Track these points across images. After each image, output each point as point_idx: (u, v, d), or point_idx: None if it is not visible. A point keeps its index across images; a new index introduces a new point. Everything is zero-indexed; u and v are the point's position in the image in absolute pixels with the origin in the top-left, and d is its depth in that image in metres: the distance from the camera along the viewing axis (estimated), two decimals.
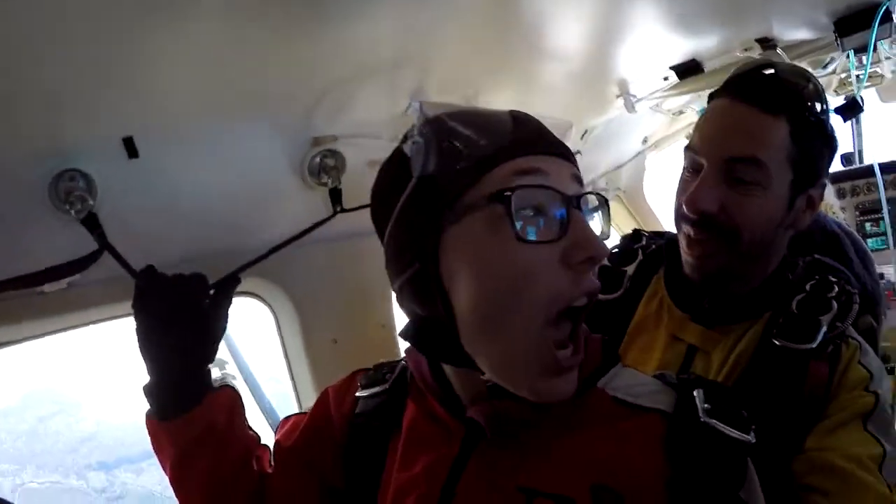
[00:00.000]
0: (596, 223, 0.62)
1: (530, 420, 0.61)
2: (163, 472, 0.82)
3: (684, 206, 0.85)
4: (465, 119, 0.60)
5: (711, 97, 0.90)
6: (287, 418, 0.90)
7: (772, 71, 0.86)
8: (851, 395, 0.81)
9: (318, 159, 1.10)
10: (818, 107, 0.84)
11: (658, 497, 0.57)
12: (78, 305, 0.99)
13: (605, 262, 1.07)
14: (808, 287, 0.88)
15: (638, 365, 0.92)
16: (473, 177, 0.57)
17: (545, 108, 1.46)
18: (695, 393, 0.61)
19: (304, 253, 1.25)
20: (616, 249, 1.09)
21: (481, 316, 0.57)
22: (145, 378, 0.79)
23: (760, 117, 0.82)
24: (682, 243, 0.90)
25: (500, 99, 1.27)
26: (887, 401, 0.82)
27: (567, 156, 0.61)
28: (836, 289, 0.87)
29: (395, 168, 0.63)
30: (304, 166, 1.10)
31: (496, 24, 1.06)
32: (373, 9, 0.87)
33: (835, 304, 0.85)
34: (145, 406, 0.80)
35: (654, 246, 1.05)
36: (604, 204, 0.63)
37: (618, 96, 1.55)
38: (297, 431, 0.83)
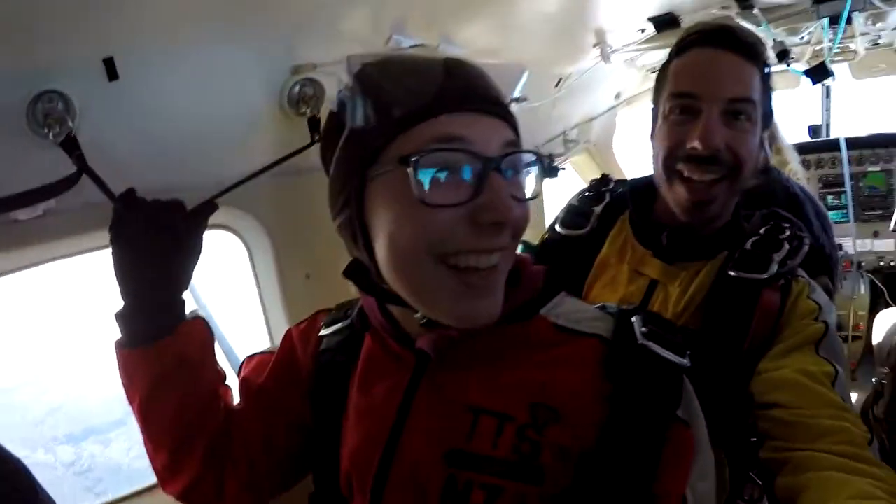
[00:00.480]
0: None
1: (471, 344, 0.65)
2: (130, 442, 0.82)
3: (696, 143, 0.88)
4: (395, 72, 0.61)
5: (683, 48, 0.95)
6: (251, 356, 0.92)
7: (733, 25, 0.96)
8: (802, 322, 0.87)
9: (297, 88, 1.09)
10: (766, 60, 0.95)
11: (594, 414, 0.61)
12: (54, 234, 0.97)
13: (574, 201, 1.13)
14: (762, 231, 0.96)
15: (603, 297, 0.96)
16: (395, 133, 0.59)
17: (522, 51, 1.47)
18: (633, 319, 0.66)
19: (280, 183, 1.24)
20: (585, 191, 1.15)
21: (393, 262, 0.61)
22: (119, 308, 0.79)
23: (746, 64, 0.90)
24: (680, 189, 0.92)
25: (477, 37, 1.27)
26: (835, 332, 0.87)
27: (498, 113, 0.61)
28: (788, 232, 0.95)
29: (337, 115, 0.65)
30: (283, 94, 1.09)
31: None
32: None
33: (786, 245, 0.92)
34: (114, 371, 0.79)
35: (620, 189, 1.10)
36: (539, 162, 0.64)
37: (594, 45, 1.55)
38: (265, 371, 0.86)
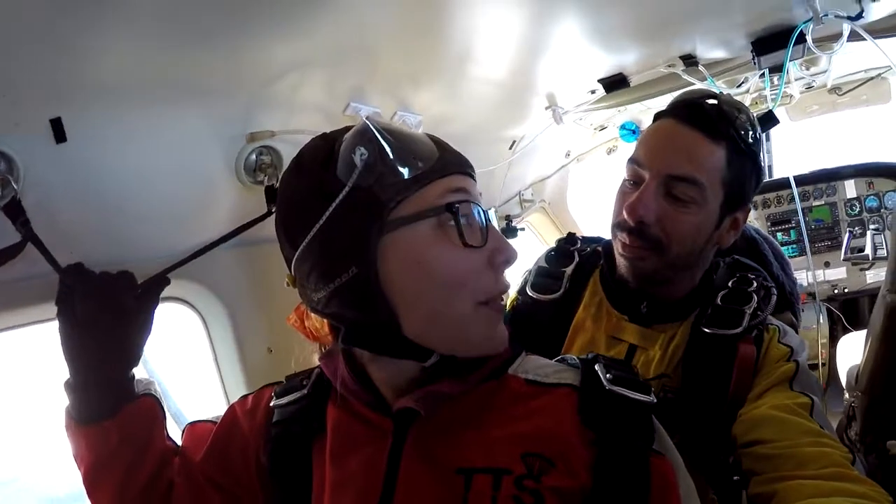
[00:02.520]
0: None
1: (457, 395, 0.67)
2: None
3: (624, 214, 0.91)
4: (400, 137, 0.65)
5: (657, 117, 0.98)
6: (194, 424, 0.88)
7: (714, 101, 0.93)
8: (775, 366, 0.90)
9: (253, 156, 1.07)
10: (751, 137, 0.92)
11: (584, 457, 0.64)
12: None
13: (543, 263, 1.14)
14: (730, 284, 0.98)
15: None
16: (410, 190, 0.63)
17: (476, 117, 1.50)
18: (596, 367, 0.69)
19: (237, 255, 1.21)
20: (552, 252, 1.15)
21: (429, 308, 0.64)
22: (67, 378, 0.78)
23: (703, 141, 0.89)
24: (617, 247, 0.96)
25: (433, 103, 1.29)
26: (807, 368, 0.91)
27: (474, 175, 0.70)
28: (755, 284, 0.98)
29: (315, 177, 0.65)
30: (239, 162, 1.06)
31: (430, 30, 1.07)
32: (314, 6, 0.86)
33: (755, 297, 0.95)
34: (67, 447, 0.79)
35: (588, 248, 1.11)
36: (494, 217, 0.73)
37: (546, 108, 1.60)
38: (205, 447, 0.82)
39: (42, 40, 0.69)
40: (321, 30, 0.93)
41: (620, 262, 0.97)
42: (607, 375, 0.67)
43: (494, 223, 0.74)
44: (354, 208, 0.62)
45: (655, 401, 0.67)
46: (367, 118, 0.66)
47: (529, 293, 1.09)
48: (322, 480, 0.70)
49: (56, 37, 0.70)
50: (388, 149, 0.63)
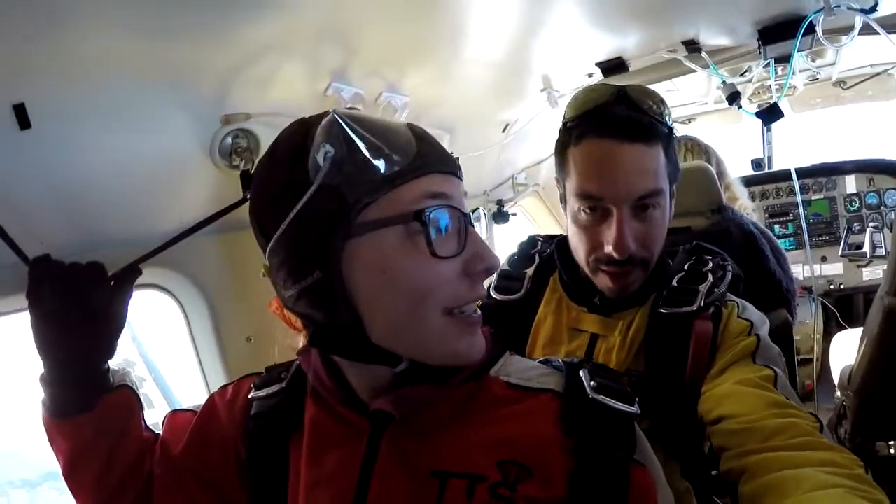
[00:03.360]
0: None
1: (434, 400, 0.65)
2: None
3: (613, 253, 0.91)
4: (373, 131, 0.60)
5: (580, 137, 0.93)
6: (174, 413, 0.86)
7: (628, 97, 0.91)
8: (735, 341, 0.91)
9: (229, 139, 1.02)
10: (668, 115, 0.94)
11: (562, 465, 0.62)
12: None
13: (506, 266, 1.16)
14: (685, 267, 1.01)
15: (546, 357, 0.95)
16: (381, 192, 0.59)
17: (467, 99, 1.46)
18: (580, 373, 0.67)
19: (215, 241, 1.18)
20: (515, 256, 1.18)
21: (393, 319, 0.61)
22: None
23: (646, 151, 0.90)
24: (604, 279, 0.96)
25: (421, 85, 1.25)
26: (769, 341, 0.91)
27: (459, 174, 0.66)
28: (711, 264, 1.00)
29: (287, 170, 0.61)
30: (214, 146, 1.02)
31: (420, 9, 1.03)
32: None
33: (710, 276, 0.97)
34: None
35: (549, 249, 1.14)
36: (485, 217, 0.71)
37: (542, 90, 1.55)
38: (184, 438, 0.80)
39: (3, 24, 0.66)
40: (301, 6, 0.89)
41: (608, 288, 0.97)
42: (591, 383, 0.65)
43: (483, 224, 0.70)
44: (321, 208, 0.59)
45: (639, 412, 0.66)
46: (333, 111, 0.60)
47: (493, 294, 1.11)
48: (298, 476, 0.69)
49: (18, 20, 0.67)
50: (358, 144, 0.58)
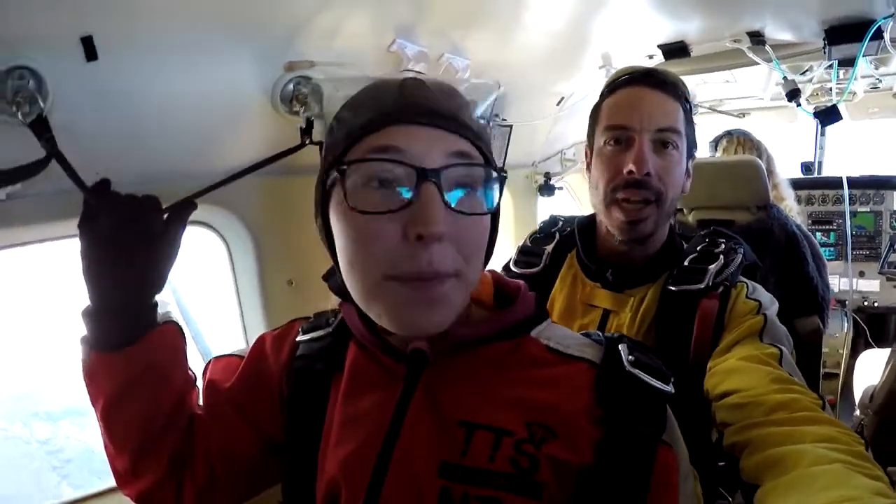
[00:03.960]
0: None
1: (468, 342, 0.65)
2: None
3: (632, 168, 0.96)
4: (361, 91, 0.65)
5: (615, 87, 1.04)
6: (219, 357, 0.87)
7: (653, 69, 1.03)
8: (742, 319, 0.93)
9: (291, 86, 1.04)
10: (689, 99, 1.05)
11: (588, 435, 0.62)
12: (18, 220, 0.91)
13: (528, 242, 1.20)
14: (698, 249, 1.04)
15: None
16: (348, 145, 0.61)
17: (525, 67, 1.45)
18: (619, 347, 0.67)
19: (268, 184, 1.20)
20: (536, 233, 1.22)
21: (344, 269, 0.63)
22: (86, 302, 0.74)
23: (669, 100, 1.00)
24: (617, 214, 0.99)
25: (482, 49, 1.24)
26: (776, 321, 0.93)
27: (447, 127, 0.61)
28: (723, 246, 1.02)
29: (330, 126, 0.68)
30: (276, 91, 1.04)
31: None
32: None
33: (721, 258, 0.99)
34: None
35: (568, 229, 1.17)
36: (496, 179, 0.63)
37: (600, 67, 1.53)
38: (234, 375, 0.81)
39: None
40: None
41: (621, 225, 0.99)
42: (629, 357, 0.66)
43: (473, 194, 0.61)
44: (321, 160, 0.66)
45: (673, 391, 0.66)
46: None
47: (513, 269, 1.16)
48: (332, 416, 0.71)
49: None
50: (336, 108, 0.64)
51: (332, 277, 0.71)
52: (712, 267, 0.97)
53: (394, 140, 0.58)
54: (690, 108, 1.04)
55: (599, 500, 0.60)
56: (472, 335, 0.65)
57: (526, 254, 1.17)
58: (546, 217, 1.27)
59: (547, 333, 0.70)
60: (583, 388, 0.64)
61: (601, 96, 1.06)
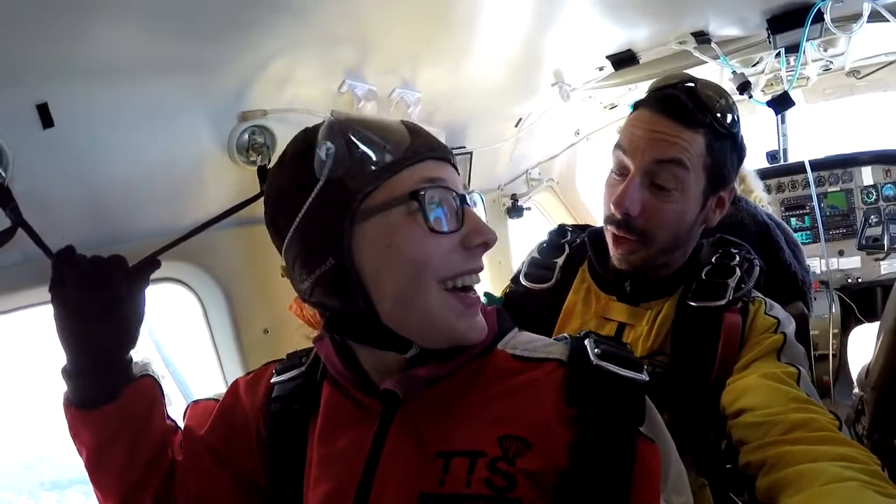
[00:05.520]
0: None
1: (437, 377, 0.67)
2: None
3: (612, 207, 0.95)
4: (369, 127, 0.66)
5: (637, 106, 1.00)
6: (197, 402, 0.89)
7: (691, 85, 0.96)
8: (761, 337, 0.92)
9: (246, 135, 1.04)
10: (730, 119, 0.95)
11: (564, 436, 0.63)
12: None
13: (536, 254, 1.17)
14: (713, 260, 1.02)
15: None
16: (381, 179, 0.64)
17: (480, 93, 1.47)
18: (585, 342, 0.68)
19: (233, 235, 1.19)
20: (545, 244, 1.18)
21: (400, 295, 0.65)
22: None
23: (682, 130, 0.92)
24: (609, 240, 0.99)
25: (434, 81, 1.26)
26: (794, 340, 0.92)
27: (453, 162, 0.70)
28: (738, 258, 1.00)
29: (294, 171, 0.67)
30: (231, 142, 1.04)
31: (432, 6, 1.05)
32: None
33: (738, 270, 0.97)
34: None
35: (578, 240, 1.15)
36: (481, 201, 0.73)
37: (553, 85, 1.56)
38: (208, 421, 0.83)
39: (25, 24, 0.68)
40: (317, 7, 0.91)
41: (613, 254, 1.00)
42: (595, 350, 0.66)
43: (480, 207, 0.72)
44: (329, 201, 0.64)
45: (647, 379, 0.66)
46: (332, 112, 0.66)
47: (523, 282, 1.13)
48: (310, 457, 0.72)
49: (39, 19, 0.68)
50: (355, 140, 0.64)
51: (338, 326, 0.70)
52: (731, 281, 0.95)
53: (433, 173, 0.66)
54: (727, 130, 0.94)
55: (581, 500, 0.60)
56: (442, 373, 0.67)
57: (535, 266, 1.14)
58: (517, 239, 1.26)
59: (513, 343, 0.72)
60: (552, 389, 0.65)
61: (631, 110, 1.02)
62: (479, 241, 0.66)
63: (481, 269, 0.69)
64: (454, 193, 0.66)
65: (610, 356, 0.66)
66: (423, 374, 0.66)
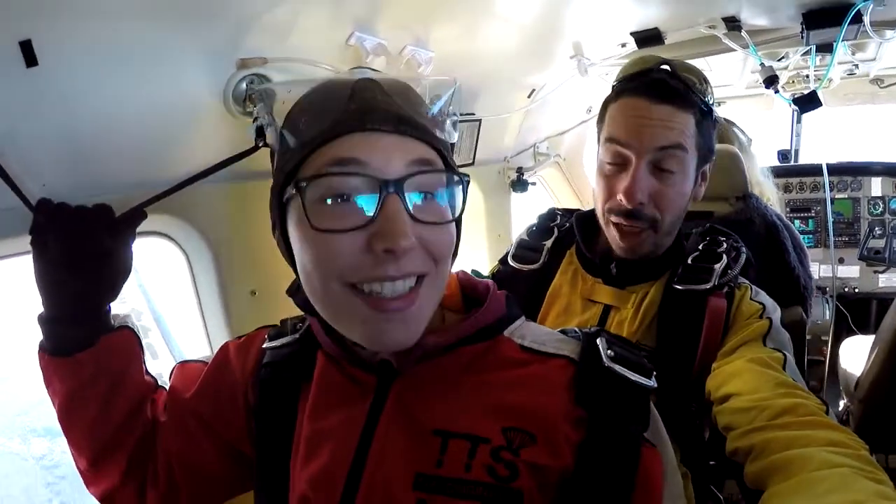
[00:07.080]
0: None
1: (437, 351, 0.63)
2: None
3: (621, 199, 0.94)
4: (309, 97, 0.61)
5: (618, 94, 0.99)
6: (184, 363, 0.87)
7: (669, 68, 0.97)
8: (747, 321, 0.93)
9: (244, 84, 0.98)
10: (709, 96, 0.99)
11: (568, 437, 0.61)
12: None
13: (525, 236, 1.18)
14: (700, 247, 1.03)
15: (559, 325, 0.97)
16: (301, 158, 0.58)
17: (494, 59, 1.40)
18: (598, 341, 0.65)
19: (224, 191, 1.14)
20: (534, 226, 1.20)
21: (309, 291, 0.62)
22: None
23: (677, 112, 0.94)
24: (614, 233, 0.99)
25: (448, 40, 1.20)
26: (780, 326, 0.93)
27: (405, 131, 0.58)
28: (726, 245, 1.02)
29: (280, 134, 0.65)
30: (228, 91, 0.98)
31: None
32: None
33: (724, 257, 0.99)
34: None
35: (567, 224, 1.16)
36: (458, 183, 0.61)
37: (571, 57, 1.49)
38: (195, 385, 0.81)
39: None
40: None
41: (618, 244, 0.99)
42: (608, 352, 0.64)
43: (438, 202, 0.60)
44: (274, 171, 0.63)
45: (656, 385, 0.64)
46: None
47: (511, 263, 1.14)
48: (300, 431, 0.70)
49: None
50: (286, 110, 0.61)
51: (298, 293, 0.68)
52: (717, 266, 0.97)
53: (352, 151, 0.56)
54: (708, 108, 0.98)
55: (584, 501, 0.59)
56: (441, 343, 0.63)
57: (524, 248, 1.16)
58: (519, 213, 1.24)
59: (521, 332, 0.68)
60: (560, 387, 0.63)
61: (610, 95, 1.02)
62: (380, 246, 0.54)
63: (397, 277, 0.57)
64: (372, 179, 0.55)
65: (621, 359, 0.64)
66: (426, 345, 0.62)
